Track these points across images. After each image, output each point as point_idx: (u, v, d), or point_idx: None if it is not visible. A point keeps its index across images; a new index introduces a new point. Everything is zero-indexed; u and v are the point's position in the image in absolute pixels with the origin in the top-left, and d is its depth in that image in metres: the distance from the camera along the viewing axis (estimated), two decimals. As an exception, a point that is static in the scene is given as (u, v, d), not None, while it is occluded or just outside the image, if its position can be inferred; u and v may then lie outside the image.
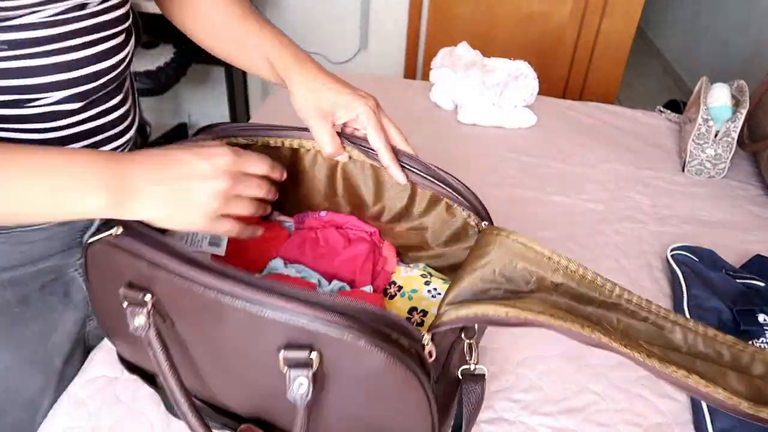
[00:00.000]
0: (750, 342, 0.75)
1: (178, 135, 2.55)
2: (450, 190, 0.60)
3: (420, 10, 2.23)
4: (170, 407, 0.64)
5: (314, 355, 0.44)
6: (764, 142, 1.13)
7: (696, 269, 0.86)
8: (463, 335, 0.50)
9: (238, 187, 0.52)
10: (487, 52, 1.38)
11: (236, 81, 2.28)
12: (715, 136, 1.11)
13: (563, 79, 2.25)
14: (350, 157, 0.64)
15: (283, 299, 0.44)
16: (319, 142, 0.61)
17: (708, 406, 0.68)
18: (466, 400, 0.49)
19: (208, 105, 2.65)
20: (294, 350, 0.44)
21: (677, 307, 0.83)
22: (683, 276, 0.85)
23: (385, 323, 0.45)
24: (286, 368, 0.45)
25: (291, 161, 0.68)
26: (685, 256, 0.90)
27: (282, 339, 0.45)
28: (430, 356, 0.46)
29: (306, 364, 0.44)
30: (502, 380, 0.72)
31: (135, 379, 0.67)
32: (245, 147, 0.65)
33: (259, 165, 0.55)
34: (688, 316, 0.80)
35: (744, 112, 1.10)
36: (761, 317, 0.77)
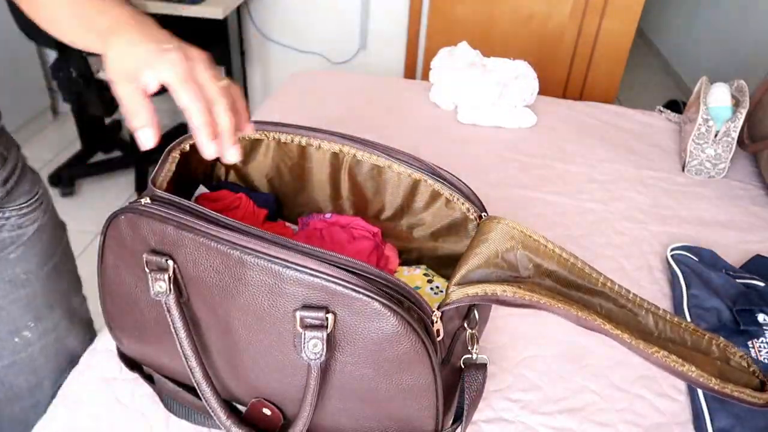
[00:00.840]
0: (750, 342, 0.75)
1: (177, 135, 2.55)
2: (450, 186, 0.62)
3: (420, 10, 2.23)
4: (170, 406, 0.64)
5: (329, 316, 0.47)
6: (764, 142, 1.12)
7: (696, 269, 0.86)
8: (465, 324, 0.52)
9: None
10: (487, 52, 1.38)
11: (236, 81, 2.28)
12: (715, 136, 1.11)
13: (563, 79, 2.25)
14: (190, 148, 0.61)
15: (304, 257, 0.46)
16: (125, 113, 0.49)
17: (708, 406, 0.68)
18: (468, 388, 0.51)
19: (208, 105, 2.64)
20: (310, 310, 0.47)
21: (677, 307, 0.82)
22: (683, 276, 0.85)
23: (398, 291, 0.47)
24: (301, 329, 0.47)
25: (299, 160, 0.68)
26: (685, 256, 0.90)
27: (299, 300, 0.47)
28: (438, 334, 0.48)
29: (321, 325, 0.47)
30: (501, 380, 0.72)
31: (134, 379, 0.67)
32: (257, 141, 0.68)
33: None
34: (688, 315, 0.80)
35: (744, 112, 1.10)
36: (761, 317, 0.77)
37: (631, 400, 0.71)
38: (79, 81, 1.91)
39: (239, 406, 0.60)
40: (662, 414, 0.70)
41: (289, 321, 0.48)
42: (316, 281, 0.46)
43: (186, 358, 0.52)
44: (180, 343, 0.52)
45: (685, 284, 0.84)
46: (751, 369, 0.50)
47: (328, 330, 0.47)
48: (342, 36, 2.39)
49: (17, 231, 0.68)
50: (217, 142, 0.48)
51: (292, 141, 0.66)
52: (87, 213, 2.16)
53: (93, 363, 0.70)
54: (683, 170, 1.16)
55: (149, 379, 0.65)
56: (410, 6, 2.23)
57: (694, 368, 0.47)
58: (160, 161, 0.58)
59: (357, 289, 0.46)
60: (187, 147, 0.61)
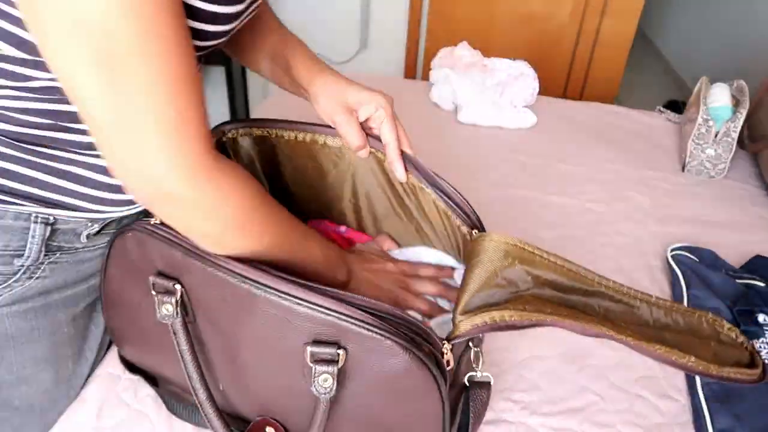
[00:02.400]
0: (750, 342, 0.75)
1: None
2: (445, 197, 0.62)
3: (420, 10, 2.23)
4: (172, 408, 0.64)
5: (341, 351, 0.45)
6: (764, 142, 1.13)
7: (696, 269, 0.86)
8: (470, 344, 0.52)
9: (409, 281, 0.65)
10: (487, 52, 1.38)
11: (236, 81, 2.28)
12: (715, 136, 1.11)
13: (563, 79, 2.25)
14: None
15: (316, 295, 0.46)
16: (346, 137, 0.65)
17: (708, 407, 0.68)
18: (472, 405, 0.50)
19: (208, 105, 2.64)
20: (321, 346, 0.46)
21: (677, 308, 0.83)
22: (683, 276, 0.85)
23: (409, 327, 0.46)
24: (311, 364, 0.46)
25: (307, 159, 0.69)
26: (685, 256, 0.90)
27: (310, 334, 0.46)
28: (448, 365, 0.48)
29: (332, 360, 0.46)
30: (502, 381, 0.72)
31: (137, 379, 0.67)
32: (260, 138, 0.68)
33: (426, 270, 0.67)
34: (688, 316, 0.80)
35: (744, 112, 1.10)
36: (761, 317, 0.77)
37: (632, 401, 0.71)
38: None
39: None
40: (662, 414, 0.70)
41: (298, 353, 0.47)
42: (329, 319, 0.45)
43: (190, 380, 0.51)
44: (185, 366, 0.51)
45: (685, 284, 0.84)
46: (740, 340, 0.51)
47: (340, 365, 0.46)
48: (342, 36, 2.38)
49: None
50: None
51: (296, 138, 0.67)
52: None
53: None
54: (683, 170, 1.16)
55: (152, 380, 0.65)
56: (410, 6, 2.23)
57: (693, 358, 0.47)
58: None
59: (370, 328, 0.45)
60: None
